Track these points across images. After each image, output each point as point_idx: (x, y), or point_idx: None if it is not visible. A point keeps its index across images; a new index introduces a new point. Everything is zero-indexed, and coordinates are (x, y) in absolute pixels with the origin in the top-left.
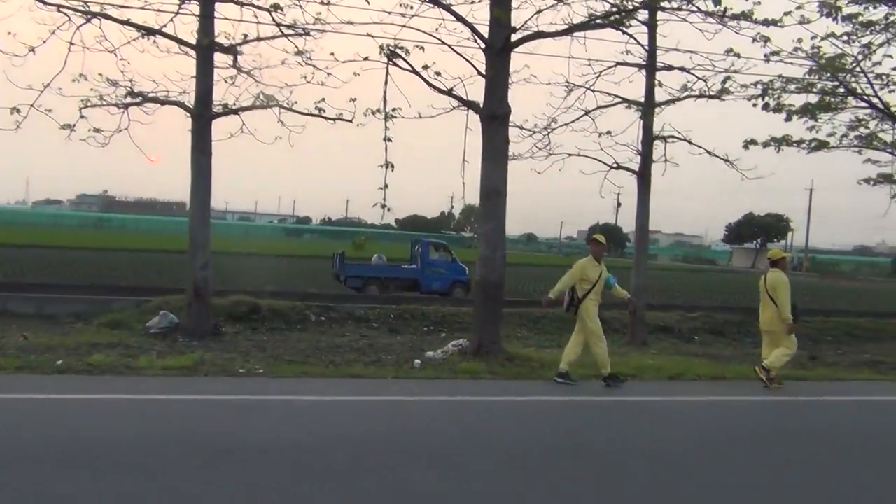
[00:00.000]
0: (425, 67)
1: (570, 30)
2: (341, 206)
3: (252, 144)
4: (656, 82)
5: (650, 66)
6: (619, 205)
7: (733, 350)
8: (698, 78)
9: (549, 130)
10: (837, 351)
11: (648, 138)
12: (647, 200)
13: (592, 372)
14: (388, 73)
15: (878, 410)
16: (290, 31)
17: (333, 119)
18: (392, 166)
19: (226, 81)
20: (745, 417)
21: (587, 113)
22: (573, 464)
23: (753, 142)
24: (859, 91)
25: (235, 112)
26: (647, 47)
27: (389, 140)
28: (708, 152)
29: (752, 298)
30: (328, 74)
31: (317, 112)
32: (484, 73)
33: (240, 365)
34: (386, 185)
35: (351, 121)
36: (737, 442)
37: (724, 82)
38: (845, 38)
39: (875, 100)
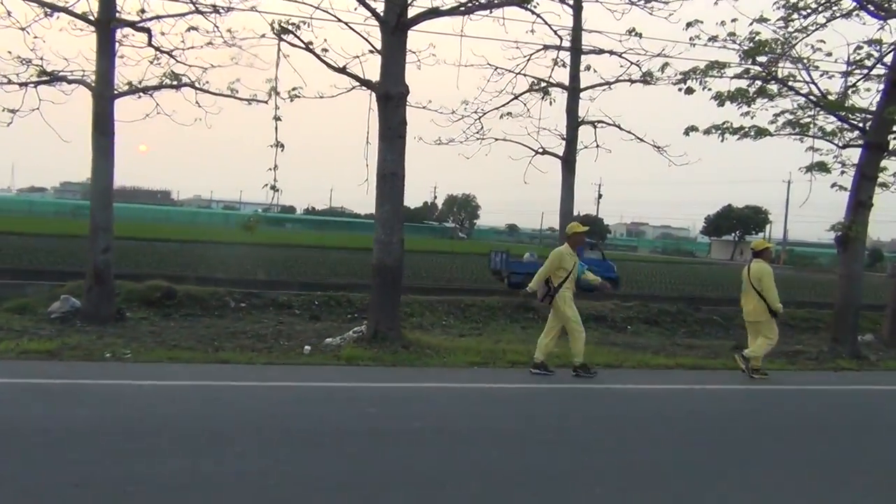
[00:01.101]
0: (310, 44)
1: (465, 6)
2: (326, 195)
3: (236, 133)
4: (583, 66)
5: (575, 50)
6: (599, 196)
7: (662, 340)
8: (632, 63)
9: (479, 115)
10: None
11: (573, 123)
12: (571, 186)
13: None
14: (279, 49)
15: (746, 398)
16: (207, 9)
17: (248, 100)
18: (282, 146)
19: (150, 63)
20: (586, 403)
21: (517, 97)
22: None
23: (694, 128)
24: (792, 78)
25: (142, 91)
26: (555, 29)
27: (279, 119)
28: (638, 138)
29: (706, 289)
30: (254, 56)
31: (229, 93)
32: (379, 50)
33: (114, 350)
34: (276, 167)
35: (266, 102)
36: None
37: (661, 69)
38: (781, 23)
39: (811, 87)
